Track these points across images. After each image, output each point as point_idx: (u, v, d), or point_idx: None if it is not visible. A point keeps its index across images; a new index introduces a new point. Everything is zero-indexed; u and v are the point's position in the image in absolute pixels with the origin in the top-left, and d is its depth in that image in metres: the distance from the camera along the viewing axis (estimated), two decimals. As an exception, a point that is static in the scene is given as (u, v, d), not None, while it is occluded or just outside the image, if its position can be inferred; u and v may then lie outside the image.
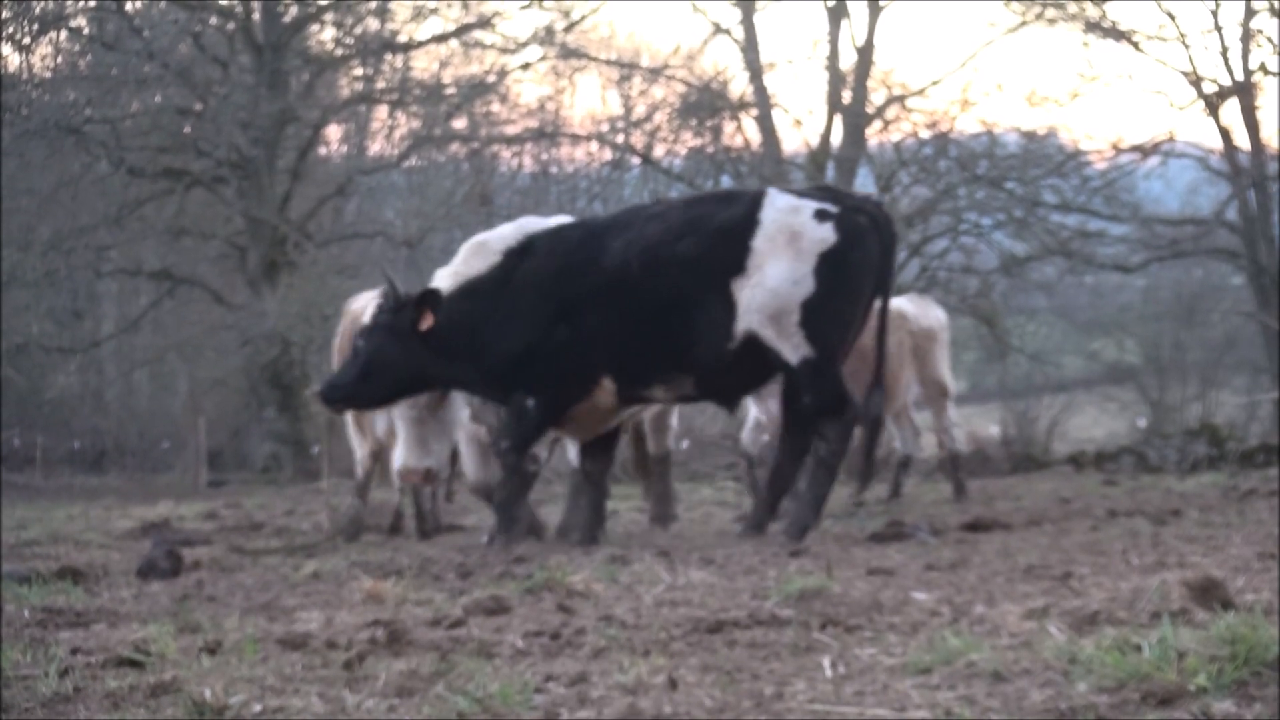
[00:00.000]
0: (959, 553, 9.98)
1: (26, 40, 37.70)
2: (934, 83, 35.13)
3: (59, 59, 39.35)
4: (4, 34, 37.42)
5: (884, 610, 7.21)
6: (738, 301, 10.97)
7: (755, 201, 11.19)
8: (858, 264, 11.08)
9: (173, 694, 5.71)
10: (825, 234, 10.93)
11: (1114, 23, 33.95)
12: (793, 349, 10.91)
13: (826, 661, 5.99)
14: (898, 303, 15.76)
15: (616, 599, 7.93)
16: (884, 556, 9.90)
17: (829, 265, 10.91)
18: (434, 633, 6.92)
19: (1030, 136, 35.07)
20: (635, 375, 11.44)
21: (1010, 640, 6.15)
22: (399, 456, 12.65)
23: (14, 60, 38.98)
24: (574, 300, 11.33)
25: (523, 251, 11.58)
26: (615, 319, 11.26)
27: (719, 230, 11.11)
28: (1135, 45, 34.01)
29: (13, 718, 5.55)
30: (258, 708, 5.48)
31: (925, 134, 35.39)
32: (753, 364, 11.26)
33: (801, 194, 11.38)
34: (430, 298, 11.44)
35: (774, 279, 10.87)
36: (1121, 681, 5.04)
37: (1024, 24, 34.03)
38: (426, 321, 11.36)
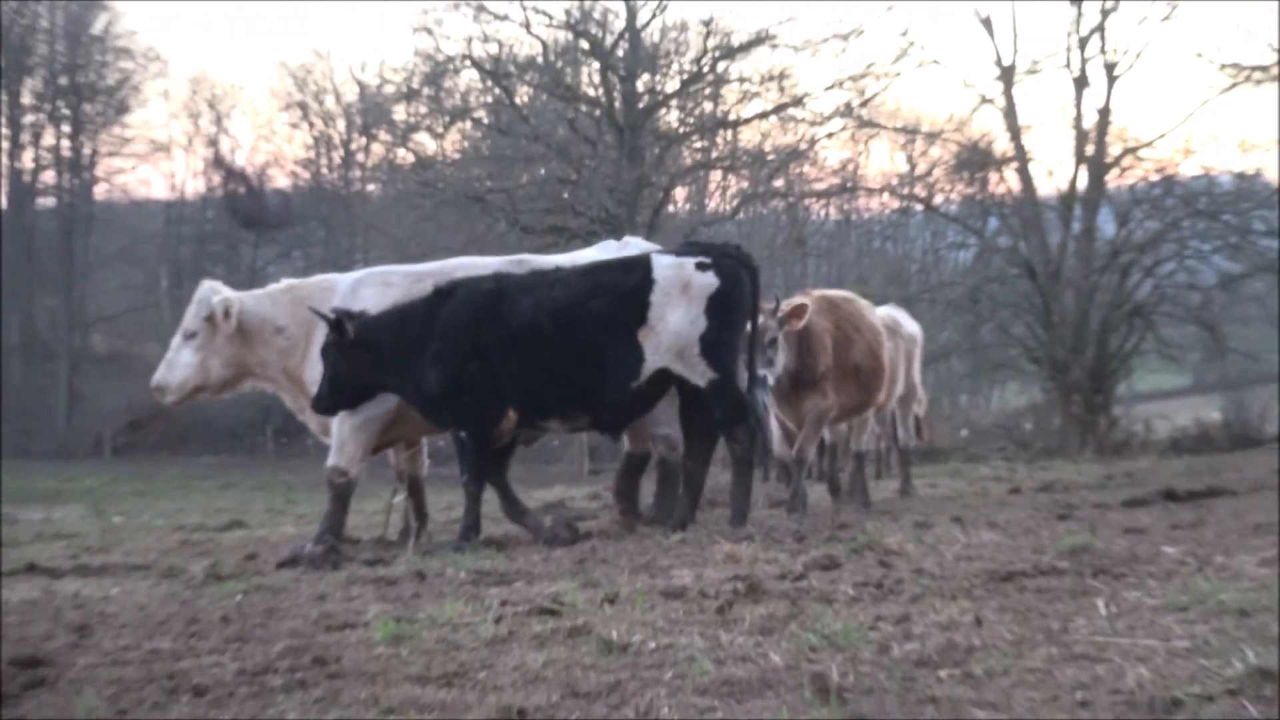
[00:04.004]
0: (1196, 514, 9.96)
1: (440, 130, 39.32)
2: (1161, 136, 35.52)
3: (465, 143, 40.59)
4: (423, 125, 39.08)
5: (1141, 561, 7.20)
6: (644, 347, 10.68)
7: (645, 265, 10.85)
8: (737, 299, 10.81)
9: (586, 635, 5.89)
10: (709, 280, 10.70)
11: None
12: (699, 375, 10.66)
13: (1101, 603, 6.00)
14: (892, 312, 15.36)
15: (924, 555, 7.94)
16: (1134, 519, 9.88)
17: (716, 304, 10.68)
18: (782, 584, 7.00)
19: (1242, 176, 34.94)
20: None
21: (1251, 583, 6.15)
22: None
23: (431, 145, 40.52)
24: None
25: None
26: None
27: (622, 292, 10.78)
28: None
29: (462, 656, 5.76)
30: (653, 644, 5.62)
31: (1155, 178, 35.61)
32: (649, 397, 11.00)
33: (679, 252, 11.06)
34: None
35: (675, 323, 10.62)
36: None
37: (1235, 85, 33.38)
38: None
